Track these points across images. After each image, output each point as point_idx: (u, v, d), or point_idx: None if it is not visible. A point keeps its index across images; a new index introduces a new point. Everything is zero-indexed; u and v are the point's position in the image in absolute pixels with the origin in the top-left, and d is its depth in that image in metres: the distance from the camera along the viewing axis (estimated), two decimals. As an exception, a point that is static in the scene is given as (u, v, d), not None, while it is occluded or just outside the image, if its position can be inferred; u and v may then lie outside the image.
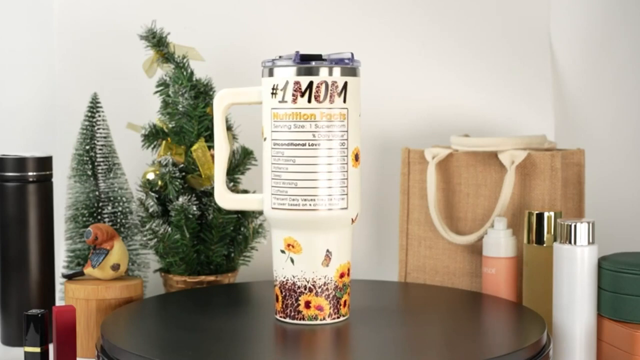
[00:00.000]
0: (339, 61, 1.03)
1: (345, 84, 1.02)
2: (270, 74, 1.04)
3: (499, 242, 1.18)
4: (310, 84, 1.01)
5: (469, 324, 1.07)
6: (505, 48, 1.48)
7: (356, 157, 1.05)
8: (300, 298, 1.05)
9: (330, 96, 1.02)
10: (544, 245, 1.14)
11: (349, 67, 1.03)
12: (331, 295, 1.05)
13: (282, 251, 1.06)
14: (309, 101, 1.02)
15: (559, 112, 1.49)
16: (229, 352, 0.95)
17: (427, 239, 1.31)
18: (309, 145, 1.02)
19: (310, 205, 1.02)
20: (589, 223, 1.05)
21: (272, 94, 1.03)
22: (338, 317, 1.05)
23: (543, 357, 0.97)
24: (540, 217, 1.14)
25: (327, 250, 1.04)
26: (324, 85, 1.02)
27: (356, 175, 1.05)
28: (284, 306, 1.05)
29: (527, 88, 1.48)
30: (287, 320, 1.05)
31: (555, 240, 1.13)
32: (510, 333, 1.05)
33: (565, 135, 1.47)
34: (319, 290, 1.04)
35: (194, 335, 0.99)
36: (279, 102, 1.03)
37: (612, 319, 1.05)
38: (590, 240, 1.06)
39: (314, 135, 1.02)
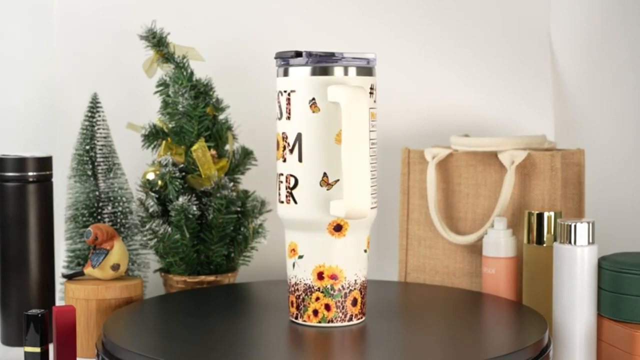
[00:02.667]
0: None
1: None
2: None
3: (499, 242, 1.18)
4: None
5: (469, 324, 1.07)
6: (505, 48, 1.48)
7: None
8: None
9: (372, 95, 1.05)
10: (544, 245, 1.14)
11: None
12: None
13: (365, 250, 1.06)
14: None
15: (559, 112, 1.49)
16: (229, 352, 0.95)
17: (427, 239, 1.31)
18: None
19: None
20: (589, 223, 1.05)
21: (370, 93, 1.04)
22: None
23: (544, 357, 0.97)
24: (540, 217, 1.14)
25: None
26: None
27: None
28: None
29: (527, 88, 1.48)
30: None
31: (555, 240, 1.13)
32: (511, 333, 1.05)
33: (565, 135, 1.47)
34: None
35: (195, 336, 0.99)
36: (374, 102, 1.05)
37: (612, 319, 1.05)
38: (590, 240, 1.06)
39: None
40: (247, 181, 1.33)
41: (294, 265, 1.05)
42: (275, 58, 1.05)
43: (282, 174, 1.04)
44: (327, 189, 1.01)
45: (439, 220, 1.27)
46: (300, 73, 1.02)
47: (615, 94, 1.50)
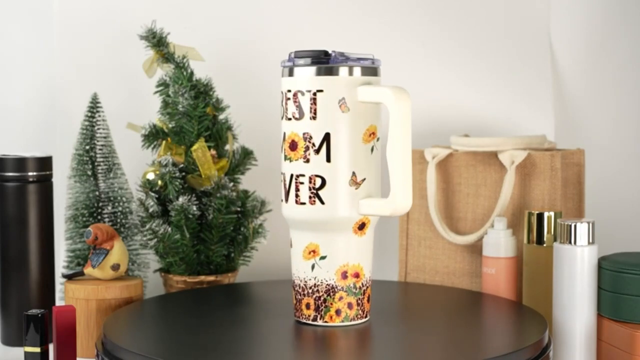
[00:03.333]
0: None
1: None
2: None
3: (499, 242, 1.18)
4: None
5: (469, 324, 1.07)
6: (505, 48, 1.48)
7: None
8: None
9: None
10: (544, 245, 1.14)
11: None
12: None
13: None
14: None
15: (559, 112, 1.49)
16: (230, 352, 0.95)
17: (427, 239, 1.31)
18: None
19: None
20: (589, 223, 1.05)
21: None
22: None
23: (544, 357, 0.97)
24: (540, 217, 1.14)
25: None
26: None
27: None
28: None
29: (527, 88, 1.48)
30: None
31: (555, 240, 1.13)
32: (511, 333, 1.05)
33: (565, 135, 1.47)
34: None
35: (194, 336, 0.99)
36: None
37: (612, 319, 1.05)
38: (590, 240, 1.06)
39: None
40: (247, 181, 1.33)
41: (313, 267, 1.04)
42: (298, 57, 1.03)
43: (302, 175, 1.02)
44: (356, 188, 1.02)
45: (439, 220, 1.27)
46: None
47: (615, 94, 1.50)
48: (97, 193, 1.26)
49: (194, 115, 1.26)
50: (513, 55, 1.48)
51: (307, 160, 1.02)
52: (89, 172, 1.26)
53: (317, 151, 1.01)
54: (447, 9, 1.47)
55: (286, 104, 1.03)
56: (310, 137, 1.02)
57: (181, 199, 1.22)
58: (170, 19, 1.35)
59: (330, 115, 1.01)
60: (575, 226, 1.05)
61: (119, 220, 1.27)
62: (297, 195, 1.03)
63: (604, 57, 1.50)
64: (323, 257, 1.03)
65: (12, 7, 1.43)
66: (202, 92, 1.27)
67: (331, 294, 1.03)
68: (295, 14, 1.45)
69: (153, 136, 1.27)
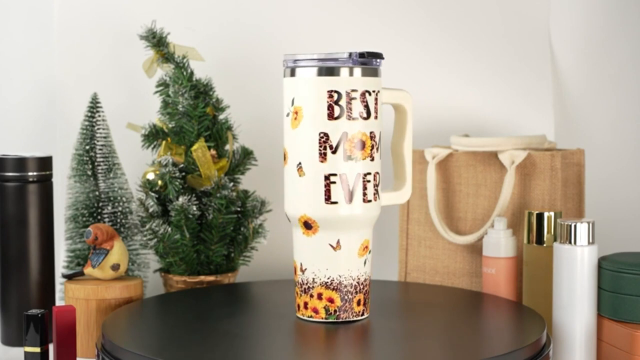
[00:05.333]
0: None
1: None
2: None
3: (499, 242, 1.18)
4: None
5: (468, 324, 1.07)
6: (505, 48, 1.48)
7: (284, 157, 1.08)
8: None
9: None
10: (544, 245, 1.14)
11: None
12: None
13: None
14: None
15: (559, 112, 1.49)
16: (230, 352, 0.95)
17: (427, 239, 1.31)
18: None
19: None
20: (589, 223, 1.05)
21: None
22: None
23: (543, 357, 0.97)
24: (540, 217, 1.14)
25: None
26: None
27: (285, 175, 1.07)
28: None
29: (527, 88, 1.48)
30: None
31: (555, 240, 1.13)
32: (510, 332, 1.05)
33: (565, 135, 1.47)
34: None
35: (195, 335, 0.99)
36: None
37: (612, 319, 1.05)
38: (590, 240, 1.06)
39: None
40: (247, 181, 1.33)
41: (365, 263, 1.06)
42: (368, 57, 1.04)
43: (369, 173, 1.04)
44: None
45: (439, 220, 1.27)
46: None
47: (615, 94, 1.50)
48: (97, 193, 1.26)
49: (194, 115, 1.26)
50: (513, 55, 1.48)
51: (372, 159, 1.04)
52: (89, 172, 1.26)
53: (378, 149, 1.05)
54: (447, 9, 1.47)
55: (350, 103, 1.03)
56: (374, 136, 1.05)
57: (181, 199, 1.22)
58: (170, 19, 1.35)
59: (380, 114, 1.05)
60: (575, 226, 1.05)
61: (119, 220, 1.27)
62: (364, 194, 1.04)
63: (604, 57, 1.50)
64: (370, 252, 1.08)
65: (12, 7, 1.43)
66: (202, 92, 1.27)
67: (371, 285, 1.09)
68: (296, 14, 1.45)
69: (153, 136, 1.27)
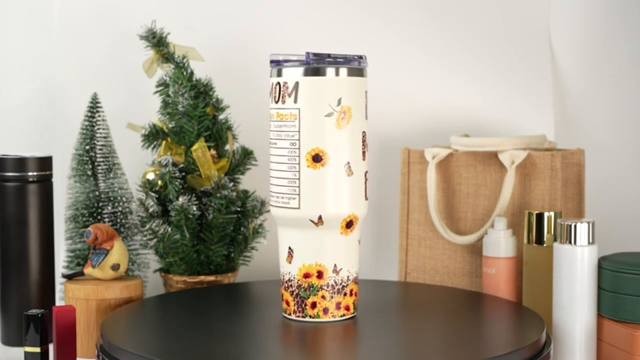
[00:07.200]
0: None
1: (296, 84, 1.03)
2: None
3: (499, 242, 1.18)
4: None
5: (468, 324, 1.07)
6: (505, 48, 1.48)
7: (314, 159, 1.04)
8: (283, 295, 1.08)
9: (282, 96, 1.04)
10: (544, 245, 1.14)
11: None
12: (294, 293, 1.06)
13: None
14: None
15: (559, 112, 1.49)
16: (229, 351, 0.95)
17: (427, 239, 1.31)
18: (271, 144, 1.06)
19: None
20: (589, 223, 1.05)
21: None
22: (303, 317, 1.06)
23: (543, 357, 0.97)
24: (540, 217, 1.14)
25: (289, 248, 1.06)
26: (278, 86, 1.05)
27: (312, 176, 1.04)
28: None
29: (527, 88, 1.48)
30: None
31: (555, 240, 1.13)
32: (509, 332, 1.05)
33: (565, 135, 1.47)
34: (286, 285, 1.07)
35: (195, 335, 0.99)
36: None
37: (612, 319, 1.05)
38: (590, 240, 1.06)
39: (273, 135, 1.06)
40: (247, 181, 1.33)
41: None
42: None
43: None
44: None
45: (439, 220, 1.27)
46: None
47: (615, 94, 1.50)
48: (97, 193, 1.26)
49: (194, 115, 1.26)
50: (513, 55, 1.48)
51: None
52: (89, 172, 1.26)
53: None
54: (447, 9, 1.47)
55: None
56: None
57: (181, 199, 1.22)
58: (170, 19, 1.35)
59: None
60: (575, 226, 1.05)
61: (119, 220, 1.27)
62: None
63: (604, 57, 1.50)
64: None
65: (12, 7, 1.43)
66: (202, 92, 1.27)
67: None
68: (295, 13, 1.45)
69: (153, 136, 1.27)
